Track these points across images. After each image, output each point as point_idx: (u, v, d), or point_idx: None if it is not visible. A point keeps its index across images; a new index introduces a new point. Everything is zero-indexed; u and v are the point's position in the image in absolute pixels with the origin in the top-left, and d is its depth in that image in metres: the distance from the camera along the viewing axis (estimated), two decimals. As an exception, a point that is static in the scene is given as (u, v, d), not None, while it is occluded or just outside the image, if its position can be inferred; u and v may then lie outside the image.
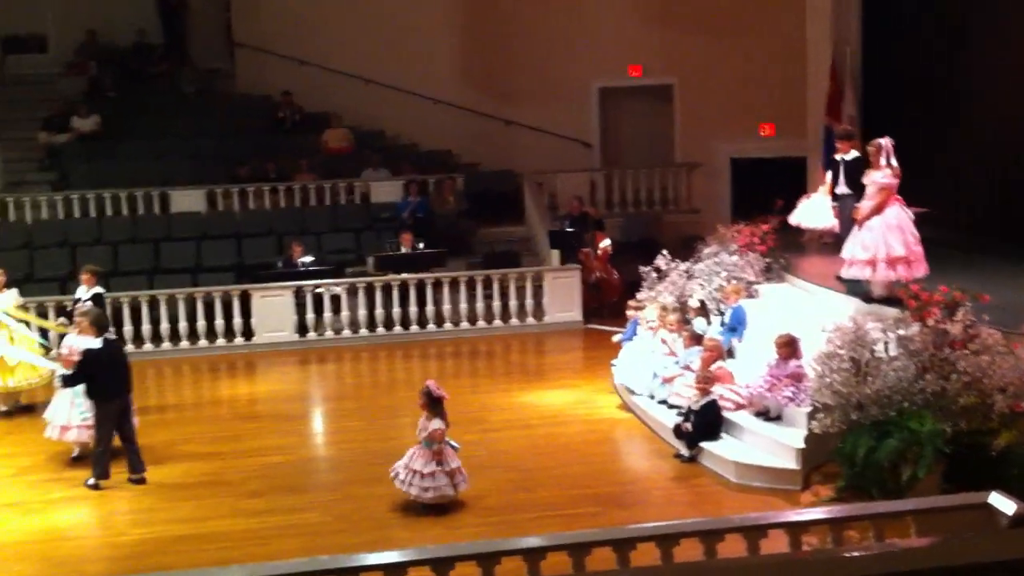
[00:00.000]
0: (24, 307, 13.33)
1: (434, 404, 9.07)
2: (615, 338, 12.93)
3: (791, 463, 9.32)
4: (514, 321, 16.39)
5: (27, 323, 12.98)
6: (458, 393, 12.11)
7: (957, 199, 14.77)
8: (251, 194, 18.63)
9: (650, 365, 11.58)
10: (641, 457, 10.67)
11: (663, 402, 11.20)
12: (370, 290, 16.09)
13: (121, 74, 21.82)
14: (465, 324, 16.27)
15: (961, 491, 7.66)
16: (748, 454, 9.67)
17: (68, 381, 10.18)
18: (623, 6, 20.28)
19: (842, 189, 12.18)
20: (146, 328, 15.42)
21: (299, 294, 15.93)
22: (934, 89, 15.34)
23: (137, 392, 10.47)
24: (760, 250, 13.44)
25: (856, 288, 11.06)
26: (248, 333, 15.81)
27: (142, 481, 9.99)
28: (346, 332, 16.03)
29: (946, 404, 8.55)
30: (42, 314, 14.14)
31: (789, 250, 13.78)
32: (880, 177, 10.57)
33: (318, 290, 16.01)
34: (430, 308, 16.21)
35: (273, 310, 15.78)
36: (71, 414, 10.43)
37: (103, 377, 9.90)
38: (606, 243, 17.38)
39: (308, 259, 16.48)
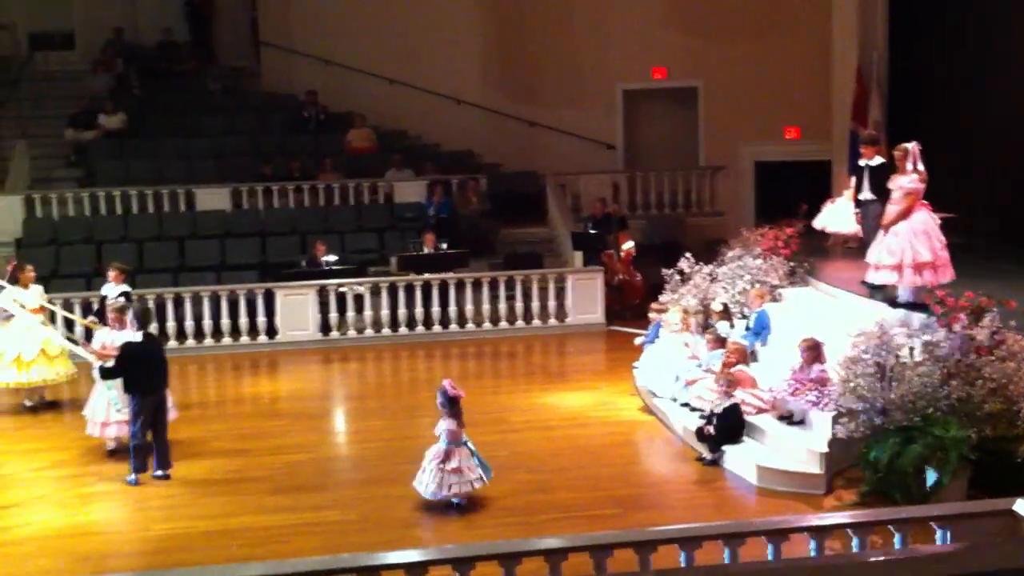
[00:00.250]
0: (50, 303, 13.43)
1: (450, 404, 9.08)
2: (637, 340, 12.90)
3: (814, 467, 9.27)
4: (536, 322, 16.40)
5: (52, 316, 13.09)
6: (479, 394, 12.17)
7: (984, 204, 14.68)
8: (275, 193, 18.71)
9: (672, 368, 11.56)
10: (662, 460, 10.65)
11: (685, 405, 11.17)
12: (393, 290, 16.14)
13: (147, 72, 21.95)
14: (487, 325, 16.30)
15: (986, 498, 7.64)
16: (771, 458, 9.63)
17: (106, 373, 10.26)
18: (648, 9, 20.25)
19: (866, 195, 11.95)
20: (171, 325, 15.52)
21: (323, 293, 15.99)
22: (960, 93, 15.26)
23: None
24: (784, 254, 13.40)
25: (880, 293, 11.01)
26: (272, 331, 15.88)
27: (167, 478, 10.05)
28: (369, 331, 16.08)
29: (971, 410, 8.51)
30: (68, 310, 14.22)
31: (813, 254, 13.74)
32: (907, 182, 10.52)
33: (341, 289, 16.06)
34: (452, 308, 16.23)
35: (297, 309, 15.84)
36: (109, 410, 10.51)
37: (141, 371, 9.96)
38: (629, 245, 17.36)
39: (332, 258, 16.54)
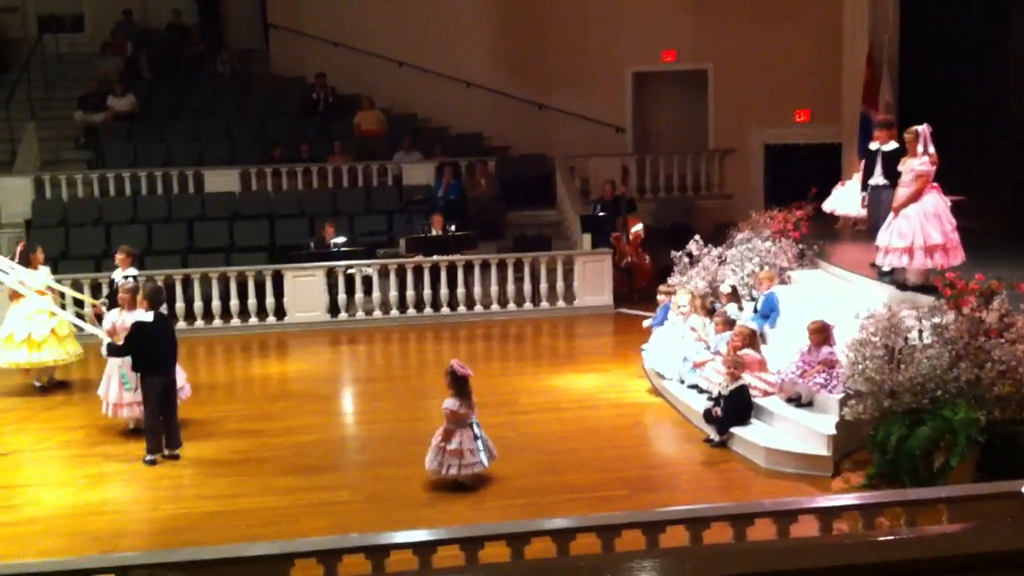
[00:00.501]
0: (59, 283, 13.47)
1: (458, 383, 9.09)
2: (645, 323, 12.89)
3: (822, 450, 9.27)
4: (544, 304, 16.39)
5: (63, 296, 13.13)
6: (488, 376, 12.18)
7: (995, 187, 14.61)
8: (284, 175, 18.71)
9: (680, 350, 11.55)
10: (670, 441, 10.66)
11: (693, 387, 11.17)
12: (401, 272, 16.15)
13: (157, 54, 21.95)
14: (495, 307, 16.30)
15: (994, 480, 7.62)
16: (779, 440, 9.62)
17: (114, 351, 10.30)
18: (658, -10, 20.16)
19: (877, 179, 11.80)
20: (179, 307, 15.56)
21: (331, 275, 16.00)
22: (973, 75, 15.17)
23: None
24: (793, 236, 13.36)
25: (889, 276, 10.98)
26: (280, 313, 15.91)
27: (176, 457, 10.09)
28: (377, 313, 16.10)
29: (980, 393, 8.47)
30: (77, 290, 14.25)
31: (822, 237, 13.70)
32: (917, 164, 10.48)
33: (350, 271, 16.07)
34: (461, 290, 16.24)
35: (305, 290, 15.87)
36: (121, 392, 10.55)
37: (150, 351, 9.98)
38: (638, 228, 17.32)
39: (340, 240, 16.55)
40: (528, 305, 16.39)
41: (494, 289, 16.28)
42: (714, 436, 10.09)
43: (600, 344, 14.92)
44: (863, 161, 12.57)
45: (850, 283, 12.04)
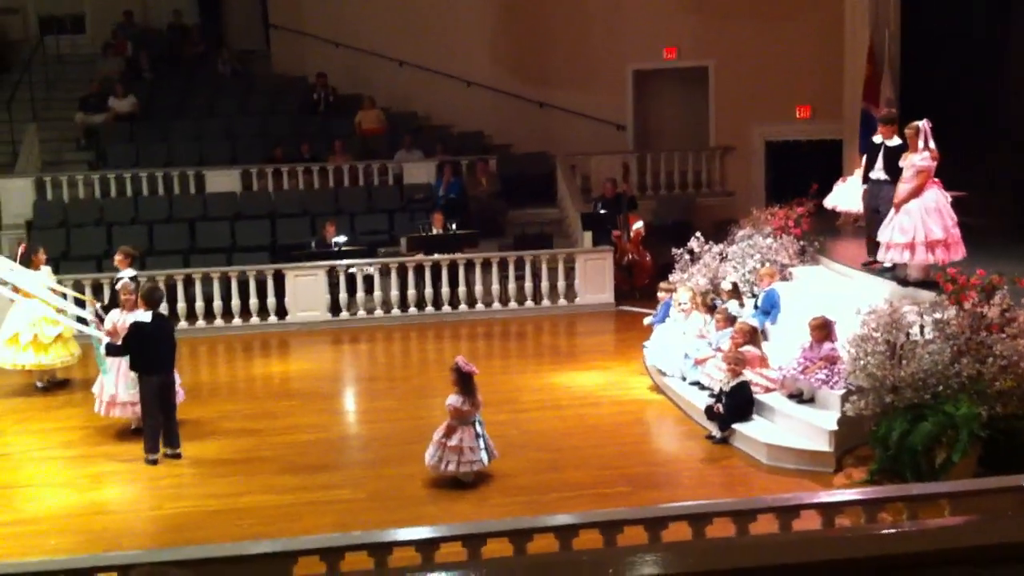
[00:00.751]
0: (59, 284, 13.48)
1: (463, 380, 9.10)
2: (646, 320, 12.89)
3: (824, 446, 9.27)
4: (546, 302, 16.39)
5: (64, 297, 13.13)
6: (490, 373, 12.17)
7: (995, 182, 14.61)
8: (285, 175, 18.72)
9: (681, 347, 11.56)
10: (672, 438, 10.66)
11: (695, 384, 11.18)
12: (402, 270, 16.15)
13: (158, 55, 21.97)
14: (497, 305, 16.31)
15: (996, 475, 7.62)
16: (780, 436, 9.63)
17: (112, 351, 10.30)
18: (658, -13, 20.15)
19: (878, 174, 11.62)
20: (181, 306, 15.57)
21: (332, 274, 16.01)
22: (973, 73, 15.16)
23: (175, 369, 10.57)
24: (795, 233, 13.37)
25: (890, 272, 10.98)
26: (282, 312, 15.92)
27: (177, 456, 10.10)
28: (378, 312, 16.11)
29: (982, 388, 8.47)
30: (79, 291, 14.26)
31: (824, 233, 13.70)
32: (918, 160, 10.48)
33: (351, 270, 16.08)
34: (462, 289, 16.25)
35: (306, 290, 15.88)
36: (119, 389, 10.55)
37: (148, 351, 9.99)
38: (639, 225, 17.32)
39: (341, 239, 16.56)
40: (529, 303, 16.40)
41: (495, 287, 16.28)
42: (716, 432, 10.09)
43: (601, 342, 14.92)
44: (864, 155, 12.52)
45: (851, 279, 12.05)
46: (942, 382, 8.61)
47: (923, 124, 10.59)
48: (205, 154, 19.38)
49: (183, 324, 15.33)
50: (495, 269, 16.27)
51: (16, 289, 12.29)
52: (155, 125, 20.16)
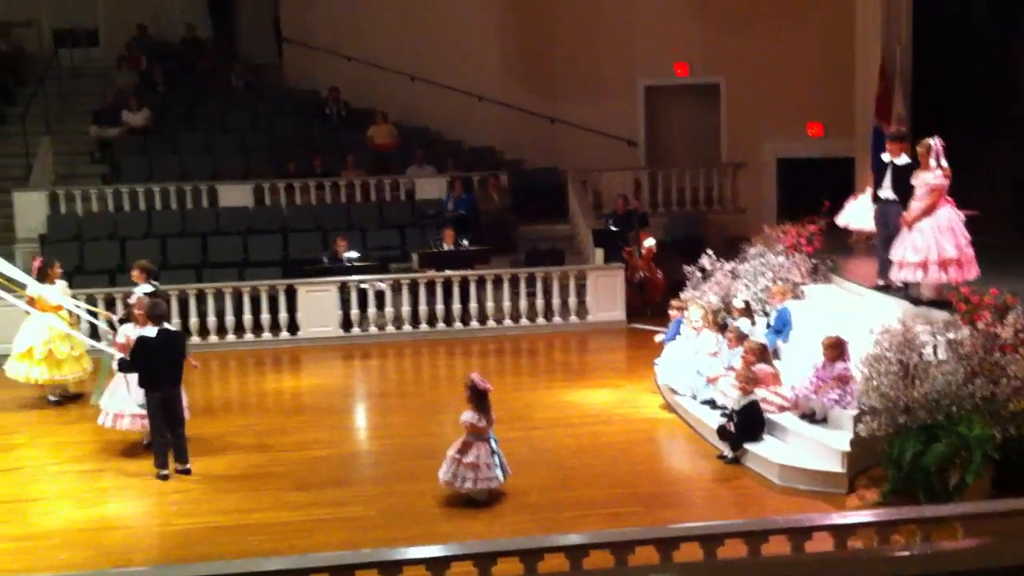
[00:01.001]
0: (74, 298, 13.53)
1: (477, 396, 9.08)
2: (658, 338, 12.88)
3: (836, 466, 9.23)
4: (557, 319, 16.39)
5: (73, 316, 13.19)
6: (501, 390, 12.13)
7: (1009, 201, 14.55)
8: (298, 189, 18.78)
9: (693, 364, 11.53)
10: (684, 457, 10.63)
11: (706, 402, 11.15)
12: (414, 286, 16.17)
13: (171, 68, 22.07)
14: (508, 322, 16.30)
15: (1010, 497, 7.58)
16: (793, 456, 9.59)
17: (123, 366, 10.34)
18: (670, 4, 20.17)
19: (886, 193, 11.43)
20: (193, 321, 15.60)
21: (344, 289, 16.04)
22: (985, 88, 15.12)
23: (184, 385, 10.57)
24: (807, 251, 13.33)
25: (903, 291, 10.96)
26: (293, 328, 15.94)
27: (187, 472, 10.09)
28: (390, 328, 16.11)
29: (996, 409, 8.44)
30: (91, 302, 14.30)
31: (836, 251, 13.65)
32: (931, 178, 10.45)
33: (363, 286, 16.10)
34: (473, 305, 16.25)
35: (318, 305, 15.90)
36: (127, 402, 10.56)
37: (153, 366, 10.01)
38: (650, 242, 17.32)
39: (353, 254, 16.59)
40: (540, 320, 16.39)
41: (506, 304, 16.28)
42: (728, 452, 10.06)
43: (613, 359, 14.90)
44: (874, 173, 12.45)
45: (864, 298, 12.01)
46: (955, 403, 8.58)
47: (935, 142, 10.56)
48: (218, 167, 19.45)
49: (195, 339, 15.35)
50: (506, 285, 16.27)
51: (32, 302, 12.34)
52: (168, 138, 20.25)
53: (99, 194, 18.40)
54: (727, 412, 10.28)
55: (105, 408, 10.80)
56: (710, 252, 13.67)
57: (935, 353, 9.02)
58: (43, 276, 12.67)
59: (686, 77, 20.59)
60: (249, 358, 15.30)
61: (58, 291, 12.75)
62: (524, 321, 16.36)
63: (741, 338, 11.29)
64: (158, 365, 10.02)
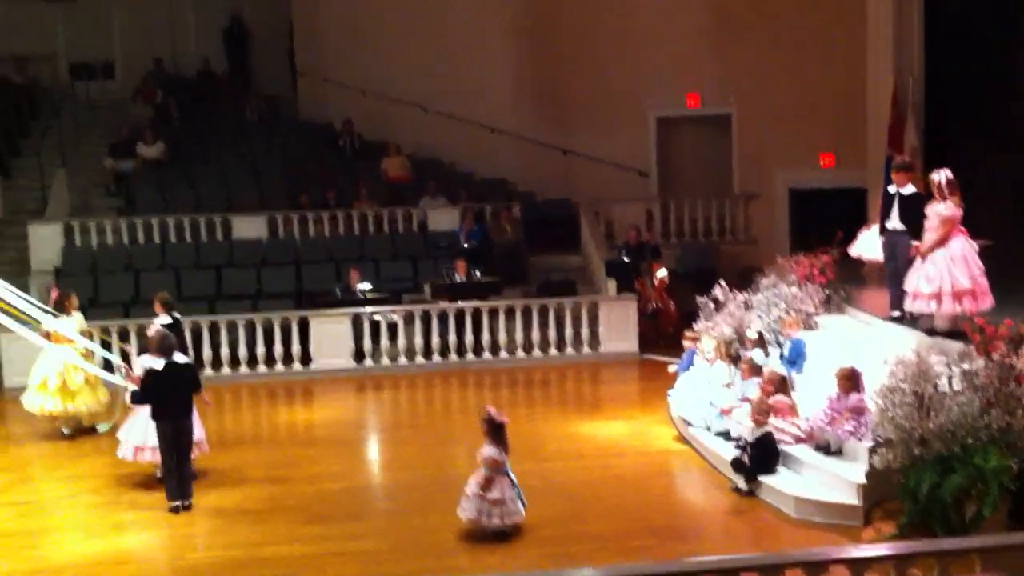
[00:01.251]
0: (89, 332, 13.59)
1: (495, 430, 9.05)
2: (671, 368, 12.85)
3: (852, 498, 9.17)
4: (569, 350, 16.37)
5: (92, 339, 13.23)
6: (513, 422, 11.97)
7: (1022, 230, 14.51)
8: (311, 221, 18.85)
9: (707, 396, 11.50)
10: (698, 490, 10.57)
11: (720, 434, 11.10)
12: (426, 317, 16.18)
13: (186, 102, 22.25)
14: (520, 353, 16.29)
15: (1028, 530, 7.52)
16: (808, 488, 9.53)
17: (134, 398, 10.37)
18: (682, 36, 20.27)
19: (894, 224, 11.36)
20: (206, 353, 15.63)
21: (357, 321, 16.06)
22: (998, 119, 15.13)
23: (201, 418, 10.58)
24: (820, 281, 13.30)
25: (917, 321, 10.92)
26: (306, 359, 15.96)
27: (187, 508, 10.02)
28: (402, 359, 16.12)
29: (1012, 440, 8.37)
30: (105, 334, 14.35)
31: (849, 282, 13.62)
32: (943, 209, 10.44)
33: (375, 317, 16.13)
34: (486, 336, 16.25)
35: (331, 336, 15.92)
36: (147, 435, 10.55)
37: (160, 399, 10.05)
38: (662, 273, 17.33)
39: (366, 285, 16.63)
40: (553, 351, 16.38)
41: (519, 335, 16.28)
42: (742, 484, 10.00)
43: (626, 391, 14.87)
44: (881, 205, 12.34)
45: (878, 329, 11.96)
46: (971, 434, 8.51)
47: (947, 173, 10.55)
48: (232, 200, 19.55)
49: (208, 371, 15.39)
50: (519, 316, 16.27)
51: (48, 336, 12.39)
52: (183, 171, 20.37)
53: (114, 226, 18.50)
54: (741, 444, 10.23)
55: (124, 441, 10.80)
56: (722, 282, 13.65)
57: (950, 384, 8.97)
58: (60, 308, 12.74)
59: (698, 108, 20.66)
60: (262, 390, 15.32)
61: (74, 324, 12.81)
62: (536, 352, 16.35)
63: (755, 369, 11.26)
64: (166, 397, 10.04)
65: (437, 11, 21.01)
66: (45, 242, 18.06)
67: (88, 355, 12.86)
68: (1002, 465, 8.26)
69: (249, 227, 18.71)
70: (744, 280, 14.11)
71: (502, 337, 16.24)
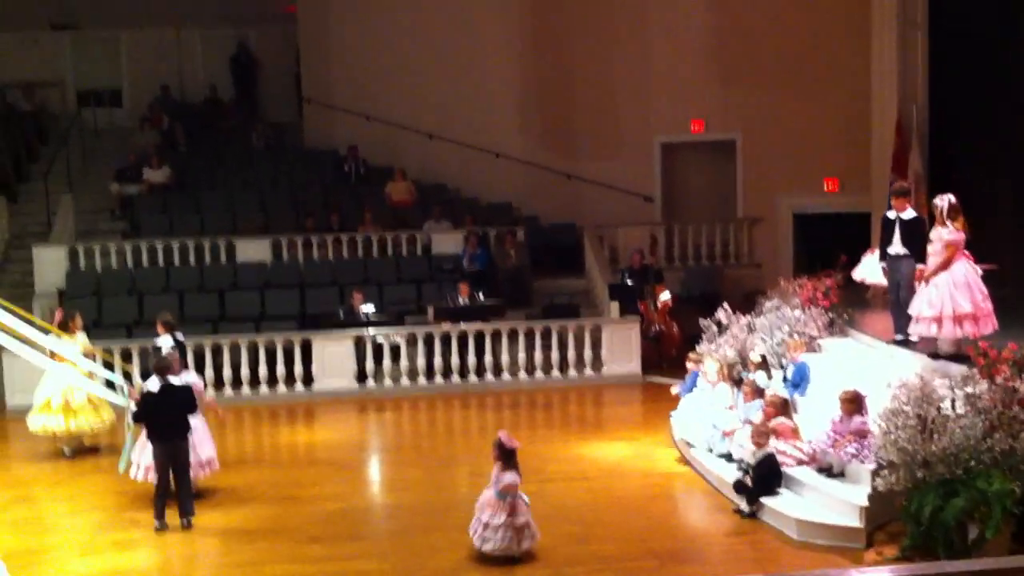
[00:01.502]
0: (92, 352, 13.63)
1: (507, 456, 9.00)
2: (674, 389, 12.83)
3: (854, 521, 9.13)
4: (572, 372, 16.36)
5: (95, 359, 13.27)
6: (516, 443, 12.10)
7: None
8: (315, 244, 18.89)
9: (709, 417, 11.48)
10: (700, 512, 10.54)
11: (723, 456, 11.07)
12: (429, 339, 16.19)
13: (192, 128, 22.36)
14: (523, 375, 16.28)
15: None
16: (810, 511, 9.49)
17: (134, 418, 10.40)
18: (686, 61, 20.39)
19: (896, 249, 11.41)
20: (209, 374, 15.63)
21: (360, 343, 16.06)
22: (1003, 145, 15.17)
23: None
24: (823, 305, 13.30)
25: (910, 345, 10.93)
26: (308, 381, 15.96)
27: (188, 527, 10.03)
28: (404, 381, 16.11)
29: (1015, 463, 8.35)
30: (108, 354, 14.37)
31: (852, 305, 13.63)
32: (946, 233, 10.47)
33: (378, 339, 16.14)
34: (488, 358, 16.25)
35: (334, 358, 15.93)
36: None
37: (154, 420, 10.09)
38: (666, 296, 17.34)
39: (369, 308, 16.64)
40: (556, 373, 16.37)
41: (521, 357, 16.27)
42: (744, 506, 9.96)
43: (628, 413, 14.84)
44: (881, 230, 12.31)
45: (881, 352, 11.95)
46: (974, 457, 8.50)
47: (950, 198, 10.59)
48: (238, 225, 19.59)
49: (210, 392, 15.34)
50: (522, 338, 16.27)
51: (52, 355, 12.43)
52: (189, 196, 20.44)
53: (118, 249, 18.54)
54: (743, 466, 10.21)
55: (136, 462, 10.81)
56: (726, 306, 13.65)
57: (953, 407, 8.95)
58: (64, 328, 12.80)
59: (702, 133, 20.74)
60: (264, 411, 15.31)
61: (77, 344, 12.84)
62: (539, 374, 16.34)
63: (757, 391, 11.25)
64: (160, 418, 10.05)
65: (443, 37, 21.14)
66: (50, 265, 18.12)
67: (91, 375, 12.88)
68: (1005, 488, 8.24)
69: (253, 250, 18.75)
70: (748, 304, 14.12)
71: (505, 359, 16.24)
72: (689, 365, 12.73)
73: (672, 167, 21.12)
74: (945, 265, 10.44)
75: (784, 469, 10.04)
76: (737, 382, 11.84)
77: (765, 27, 19.89)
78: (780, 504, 9.73)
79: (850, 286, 14.02)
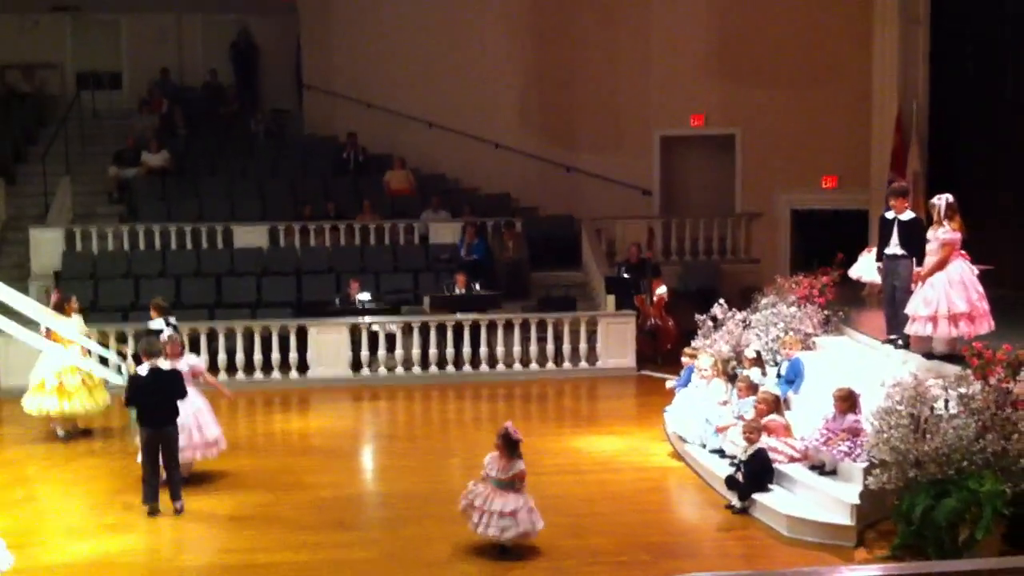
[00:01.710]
0: (88, 335, 13.62)
1: (511, 447, 9.02)
2: (669, 384, 12.84)
3: (845, 519, 9.15)
4: (567, 365, 16.38)
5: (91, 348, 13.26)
6: (510, 435, 12.11)
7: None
8: (312, 232, 18.88)
9: (703, 413, 11.49)
10: (692, 507, 10.56)
11: (715, 451, 11.09)
12: (425, 329, 16.19)
13: (192, 113, 22.31)
14: (518, 366, 16.29)
15: (1021, 554, 7.50)
16: (802, 508, 9.51)
17: (125, 401, 10.43)
18: (687, 56, 20.38)
19: (894, 249, 11.32)
20: (204, 359, 15.59)
21: (355, 331, 16.07)
22: (1001, 144, 15.18)
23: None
24: (819, 302, 13.32)
25: (899, 346, 10.95)
26: (303, 368, 15.96)
27: (178, 511, 10.03)
28: (399, 370, 16.12)
29: (1007, 464, 8.36)
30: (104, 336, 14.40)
31: (848, 303, 13.63)
32: (943, 233, 10.45)
33: (373, 328, 16.14)
34: (484, 349, 16.25)
35: (329, 346, 15.93)
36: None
37: (143, 404, 10.10)
38: (662, 290, 17.36)
39: (365, 296, 16.64)
40: (551, 365, 16.39)
41: (517, 349, 16.28)
42: (736, 502, 9.98)
43: (622, 406, 14.86)
44: (879, 231, 12.30)
45: (876, 350, 11.96)
46: (966, 457, 8.50)
47: (948, 197, 10.58)
48: (236, 210, 19.58)
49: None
50: (517, 330, 16.28)
51: (49, 334, 12.44)
52: (187, 181, 20.42)
53: (115, 233, 18.54)
54: (736, 462, 10.23)
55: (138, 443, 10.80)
56: (722, 301, 13.66)
57: (946, 407, 8.96)
58: (59, 310, 12.79)
59: (702, 128, 20.72)
60: (258, 398, 15.30)
61: (73, 326, 12.85)
62: (534, 366, 16.35)
63: (751, 387, 11.26)
64: (149, 403, 10.05)
65: (444, 26, 21.12)
66: (46, 247, 18.11)
67: (86, 354, 12.89)
68: (996, 489, 8.24)
69: (250, 236, 18.75)
70: (745, 299, 14.12)
71: (500, 350, 16.25)
72: (684, 360, 12.73)
73: (671, 161, 21.13)
74: (941, 264, 10.42)
75: (776, 466, 10.05)
76: (731, 378, 11.85)
77: (767, 23, 19.87)
78: (771, 500, 9.74)
79: (846, 284, 14.03)
